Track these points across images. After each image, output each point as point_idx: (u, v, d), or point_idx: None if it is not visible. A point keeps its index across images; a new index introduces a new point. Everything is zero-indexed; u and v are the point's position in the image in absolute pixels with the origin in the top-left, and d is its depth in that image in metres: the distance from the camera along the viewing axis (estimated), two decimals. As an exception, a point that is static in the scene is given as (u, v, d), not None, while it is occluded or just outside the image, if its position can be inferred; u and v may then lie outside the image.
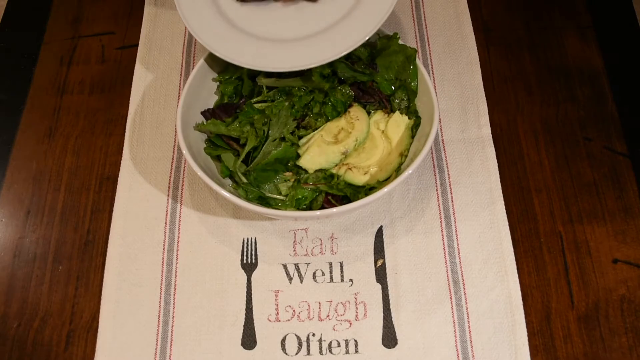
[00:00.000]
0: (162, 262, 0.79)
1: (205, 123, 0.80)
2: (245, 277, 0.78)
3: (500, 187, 0.82)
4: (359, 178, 0.77)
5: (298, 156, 0.78)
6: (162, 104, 0.91)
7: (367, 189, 0.76)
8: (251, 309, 0.76)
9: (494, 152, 0.85)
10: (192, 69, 0.81)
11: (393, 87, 0.83)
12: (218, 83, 0.84)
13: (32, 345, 0.76)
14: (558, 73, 0.92)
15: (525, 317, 0.74)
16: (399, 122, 0.79)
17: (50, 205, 0.85)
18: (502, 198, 0.81)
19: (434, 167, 0.84)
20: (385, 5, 0.77)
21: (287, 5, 0.82)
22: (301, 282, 0.78)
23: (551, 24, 0.97)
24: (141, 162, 0.86)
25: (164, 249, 0.80)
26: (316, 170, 0.77)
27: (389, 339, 0.74)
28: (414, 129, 0.81)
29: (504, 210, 0.80)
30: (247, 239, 0.80)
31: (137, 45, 0.96)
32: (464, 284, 0.76)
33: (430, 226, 0.80)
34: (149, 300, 0.77)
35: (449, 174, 0.84)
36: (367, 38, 0.76)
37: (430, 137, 0.74)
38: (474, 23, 0.96)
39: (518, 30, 0.97)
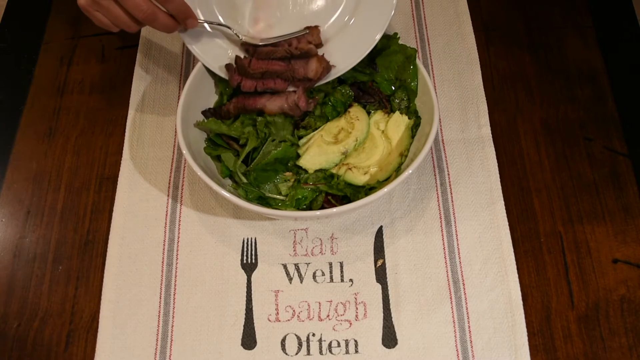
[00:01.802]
0: (162, 262, 0.79)
1: (206, 121, 0.80)
2: (245, 277, 0.78)
3: (500, 187, 0.82)
4: (359, 178, 0.77)
5: (298, 156, 0.78)
6: (162, 104, 0.91)
7: (367, 189, 0.76)
8: (251, 309, 0.76)
9: (494, 152, 0.85)
10: (192, 69, 0.81)
11: (393, 87, 0.83)
12: (218, 81, 0.84)
13: (32, 345, 0.76)
14: (558, 73, 0.92)
15: (525, 317, 0.74)
16: (399, 122, 0.80)
17: (50, 205, 0.85)
18: (502, 198, 0.81)
19: (434, 167, 0.84)
20: (381, 21, 0.78)
21: None
22: (301, 282, 0.78)
23: (551, 24, 0.97)
24: (141, 162, 0.86)
25: (164, 249, 0.80)
26: (316, 170, 0.77)
27: (389, 339, 0.74)
28: (414, 129, 0.81)
29: (504, 210, 0.80)
30: (247, 239, 0.80)
31: (137, 45, 0.96)
32: (464, 284, 0.76)
33: (430, 226, 0.80)
34: (149, 300, 0.77)
35: (449, 174, 0.84)
36: (365, 54, 0.78)
37: (430, 137, 0.74)
38: (474, 23, 0.96)
39: (518, 30, 0.97)
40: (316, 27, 0.80)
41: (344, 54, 0.80)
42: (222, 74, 0.80)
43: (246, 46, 0.81)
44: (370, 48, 0.78)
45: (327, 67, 0.79)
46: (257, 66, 0.78)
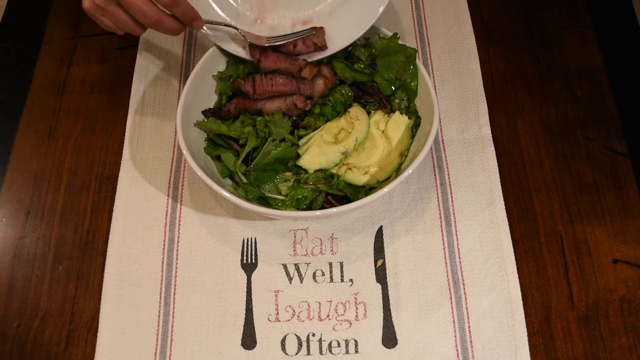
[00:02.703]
0: (162, 262, 0.79)
1: (206, 121, 0.80)
2: (245, 277, 0.78)
3: (500, 187, 0.82)
4: (359, 178, 0.76)
5: (298, 156, 0.78)
6: (162, 104, 0.91)
7: (367, 189, 0.76)
8: (251, 309, 0.76)
9: (494, 152, 0.85)
10: (192, 69, 0.81)
11: (393, 87, 0.83)
12: (218, 80, 0.84)
13: (32, 345, 0.76)
14: (558, 73, 0.92)
15: (525, 317, 0.74)
16: (399, 122, 0.79)
17: (50, 205, 0.84)
18: (502, 198, 0.81)
19: (434, 167, 0.84)
20: None
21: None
22: (301, 282, 0.78)
23: (551, 24, 0.97)
24: (141, 162, 0.86)
25: (164, 249, 0.80)
26: (316, 170, 0.77)
27: (389, 339, 0.74)
28: (414, 129, 0.81)
29: (504, 210, 0.80)
30: (247, 239, 0.80)
31: (137, 45, 0.96)
32: (464, 284, 0.76)
33: (430, 226, 0.80)
34: (149, 300, 0.77)
35: (449, 174, 0.84)
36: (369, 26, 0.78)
37: (430, 137, 0.74)
38: (474, 23, 0.96)
39: (518, 30, 0.97)
40: (321, 28, 0.80)
41: (345, 28, 0.80)
42: (241, 54, 0.81)
43: (253, 47, 0.81)
44: (372, 22, 0.78)
45: (333, 81, 0.80)
46: (262, 89, 0.79)
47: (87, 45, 0.98)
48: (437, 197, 0.82)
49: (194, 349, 0.74)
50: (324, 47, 0.80)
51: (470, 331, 0.74)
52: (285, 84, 0.79)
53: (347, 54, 0.85)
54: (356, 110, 0.81)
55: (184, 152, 0.73)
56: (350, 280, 0.77)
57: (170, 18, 0.71)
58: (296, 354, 0.74)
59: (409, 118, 0.80)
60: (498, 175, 0.83)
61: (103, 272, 0.79)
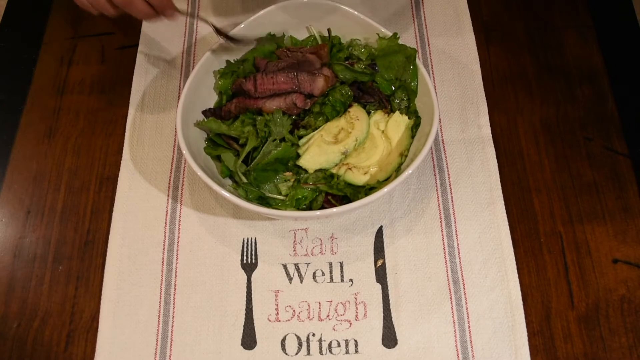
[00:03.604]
0: (162, 262, 0.79)
1: (206, 120, 0.80)
2: (245, 277, 0.78)
3: (500, 187, 0.82)
4: (359, 178, 0.76)
5: (298, 156, 0.78)
6: (162, 104, 0.91)
7: (367, 189, 0.76)
8: (251, 309, 0.76)
9: (494, 152, 0.85)
10: (192, 69, 0.81)
11: (393, 87, 0.83)
12: (219, 77, 0.84)
13: (32, 345, 0.76)
14: (558, 73, 0.92)
15: (525, 317, 0.74)
16: (399, 122, 0.80)
17: (50, 205, 0.85)
18: (502, 198, 0.81)
19: (434, 167, 0.84)
20: None
21: None
22: (301, 282, 0.78)
23: (551, 24, 0.97)
24: (141, 162, 0.86)
25: (164, 249, 0.80)
26: (316, 170, 0.77)
27: (389, 339, 0.74)
28: (414, 129, 0.81)
29: (504, 210, 0.80)
30: (247, 239, 0.80)
31: (137, 45, 0.96)
32: (464, 284, 0.76)
33: (430, 226, 0.80)
34: (149, 300, 0.77)
35: (449, 174, 0.84)
36: None
37: (430, 137, 0.74)
38: (474, 23, 0.96)
39: (518, 30, 0.97)
40: (324, 45, 0.81)
41: None
42: None
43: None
44: None
45: (333, 81, 0.80)
46: (263, 88, 0.79)
47: (87, 45, 0.98)
48: (437, 197, 0.82)
49: (194, 349, 0.74)
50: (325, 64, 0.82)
51: (470, 331, 0.74)
52: (286, 82, 0.79)
53: (347, 54, 0.85)
54: (356, 110, 0.81)
55: (184, 152, 0.73)
56: (350, 280, 0.77)
57: (142, 1, 0.71)
58: (296, 354, 0.74)
59: (409, 118, 0.80)
60: (498, 175, 0.83)
61: (103, 272, 0.79)
